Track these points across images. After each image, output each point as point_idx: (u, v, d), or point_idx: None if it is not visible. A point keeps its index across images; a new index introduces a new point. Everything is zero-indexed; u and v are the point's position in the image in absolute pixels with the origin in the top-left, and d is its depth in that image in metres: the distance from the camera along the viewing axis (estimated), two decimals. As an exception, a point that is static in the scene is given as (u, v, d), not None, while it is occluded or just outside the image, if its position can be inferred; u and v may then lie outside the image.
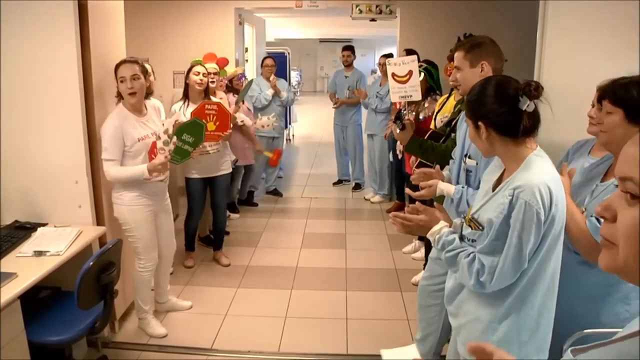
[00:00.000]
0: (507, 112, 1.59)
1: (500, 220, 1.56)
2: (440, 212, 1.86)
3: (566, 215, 1.66)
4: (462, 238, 1.76)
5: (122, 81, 2.87)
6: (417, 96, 3.42)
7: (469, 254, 1.67)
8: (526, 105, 1.56)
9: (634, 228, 0.68)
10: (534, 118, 1.60)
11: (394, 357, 1.16)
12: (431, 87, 4.38)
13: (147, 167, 2.88)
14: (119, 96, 2.97)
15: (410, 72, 3.35)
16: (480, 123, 1.62)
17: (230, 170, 4.27)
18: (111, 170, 2.88)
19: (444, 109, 3.71)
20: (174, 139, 2.94)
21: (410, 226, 1.84)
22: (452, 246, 1.72)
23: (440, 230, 1.78)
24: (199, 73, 3.87)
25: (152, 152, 3.01)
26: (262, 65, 6.01)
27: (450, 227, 1.80)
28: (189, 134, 3.21)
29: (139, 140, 2.95)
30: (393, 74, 3.38)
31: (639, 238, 0.67)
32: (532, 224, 1.51)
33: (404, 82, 3.37)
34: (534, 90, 1.55)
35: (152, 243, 3.15)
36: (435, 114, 3.82)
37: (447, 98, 3.78)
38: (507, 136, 1.61)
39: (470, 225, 1.72)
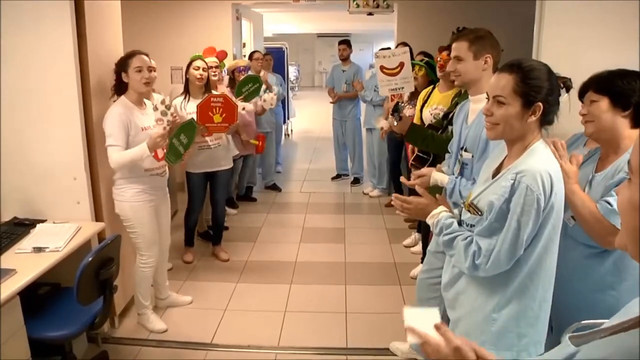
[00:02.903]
0: (557, 101, 1.63)
1: (501, 203, 1.57)
2: (441, 202, 1.88)
3: (577, 202, 1.69)
4: (460, 223, 1.78)
5: (138, 70, 2.90)
6: (410, 88, 3.39)
7: (467, 237, 1.68)
8: (564, 97, 1.61)
9: (622, 205, 0.77)
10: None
11: (416, 317, 1.18)
12: (432, 80, 4.19)
13: (147, 143, 2.86)
14: (116, 90, 2.97)
15: (401, 64, 3.31)
16: (539, 104, 1.58)
17: (232, 165, 4.26)
18: (114, 155, 2.86)
19: (430, 100, 3.68)
20: (172, 109, 3.00)
21: (410, 208, 1.85)
22: (450, 229, 1.73)
23: (439, 214, 1.80)
24: (199, 68, 3.86)
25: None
26: (250, 59, 5.94)
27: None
28: (185, 134, 3.20)
29: (142, 130, 2.97)
30: (382, 67, 3.33)
31: (628, 214, 0.75)
32: (532, 209, 1.52)
33: (394, 75, 3.33)
34: (570, 86, 1.68)
35: (154, 238, 3.16)
36: (420, 107, 3.78)
37: (432, 90, 3.75)
38: (544, 123, 1.64)
39: (469, 211, 1.73)
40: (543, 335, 1.69)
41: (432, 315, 1.19)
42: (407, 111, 3.98)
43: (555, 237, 1.62)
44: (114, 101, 2.99)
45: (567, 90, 1.68)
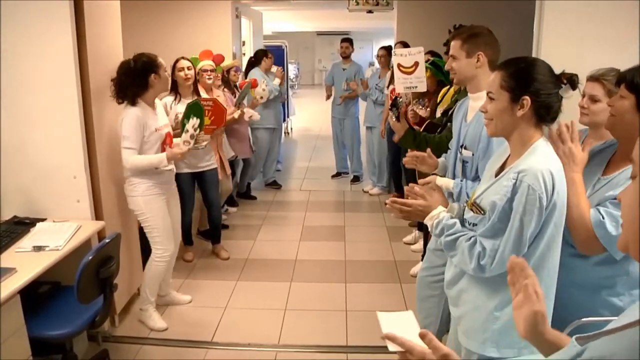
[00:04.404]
0: (554, 95, 1.61)
1: (503, 203, 1.57)
2: (437, 191, 1.87)
3: (572, 199, 1.66)
4: (462, 222, 1.77)
5: (165, 71, 3.10)
6: (422, 87, 3.45)
7: (470, 238, 1.67)
8: (568, 94, 1.59)
9: (627, 201, 0.76)
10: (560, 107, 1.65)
11: (391, 322, 1.13)
12: (441, 81, 4.07)
13: (167, 155, 3.03)
14: (143, 90, 3.02)
15: (416, 64, 3.37)
16: (526, 97, 1.57)
17: (216, 165, 4.22)
18: (130, 158, 2.97)
19: (444, 100, 3.68)
20: (201, 135, 3.28)
21: (409, 211, 1.83)
22: (453, 230, 1.72)
23: (439, 214, 1.78)
24: (183, 68, 3.82)
25: (164, 142, 3.15)
26: (266, 58, 5.91)
27: (447, 211, 1.80)
28: (195, 115, 3.24)
29: (155, 131, 3.07)
30: (399, 65, 3.41)
31: (632, 211, 0.74)
32: (534, 208, 1.52)
33: (410, 73, 3.39)
34: (576, 82, 1.63)
35: (169, 232, 3.21)
36: (435, 106, 3.80)
37: (448, 89, 3.74)
38: (541, 119, 1.62)
39: (472, 209, 1.73)
40: None
41: (407, 319, 1.14)
42: (420, 112, 4.00)
43: (557, 235, 1.61)
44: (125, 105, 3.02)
45: (574, 87, 1.64)
